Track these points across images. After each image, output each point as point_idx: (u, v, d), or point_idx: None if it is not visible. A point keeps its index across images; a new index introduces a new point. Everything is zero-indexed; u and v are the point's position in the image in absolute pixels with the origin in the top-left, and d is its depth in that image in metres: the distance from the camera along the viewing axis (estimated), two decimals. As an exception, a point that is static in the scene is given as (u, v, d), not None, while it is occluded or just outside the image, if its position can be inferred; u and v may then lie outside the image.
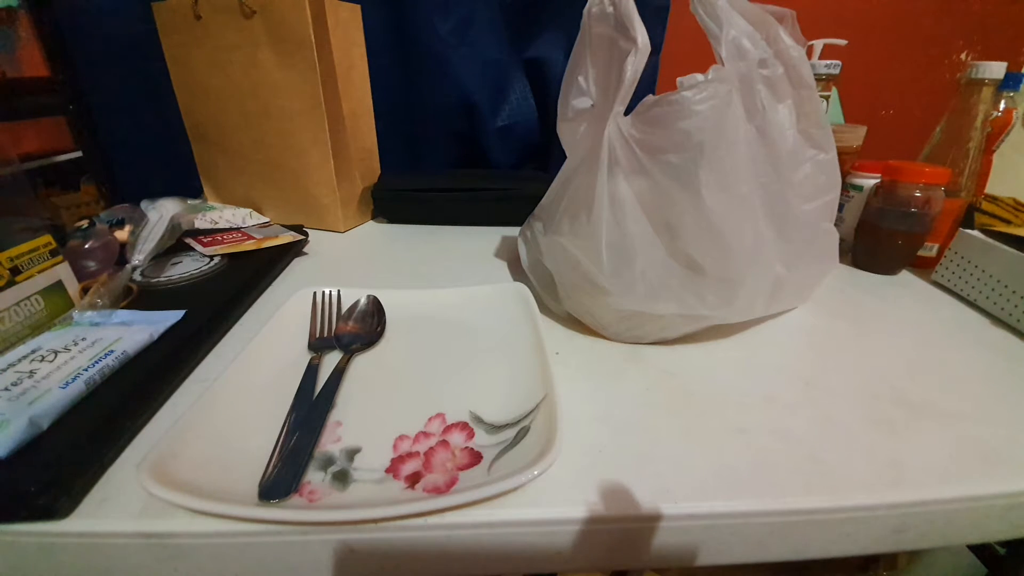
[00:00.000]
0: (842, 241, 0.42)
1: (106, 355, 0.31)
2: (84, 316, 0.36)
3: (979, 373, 0.35)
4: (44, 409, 0.26)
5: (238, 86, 0.58)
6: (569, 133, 0.40)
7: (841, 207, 0.53)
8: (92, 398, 0.29)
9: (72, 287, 0.39)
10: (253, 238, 0.54)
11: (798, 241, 0.36)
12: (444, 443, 0.27)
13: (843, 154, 0.43)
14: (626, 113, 0.34)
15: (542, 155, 0.80)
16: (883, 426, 0.29)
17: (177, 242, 0.53)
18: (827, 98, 0.58)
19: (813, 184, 0.37)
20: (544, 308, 0.41)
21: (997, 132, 0.53)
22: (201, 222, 0.61)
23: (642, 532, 0.24)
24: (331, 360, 0.34)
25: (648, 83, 0.73)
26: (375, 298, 0.41)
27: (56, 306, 0.37)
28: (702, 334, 0.37)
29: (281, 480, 0.23)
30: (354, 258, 0.58)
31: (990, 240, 0.43)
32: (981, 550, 0.54)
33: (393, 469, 0.25)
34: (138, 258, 0.46)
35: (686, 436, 0.28)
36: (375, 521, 0.22)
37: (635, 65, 0.32)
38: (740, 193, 0.33)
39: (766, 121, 0.34)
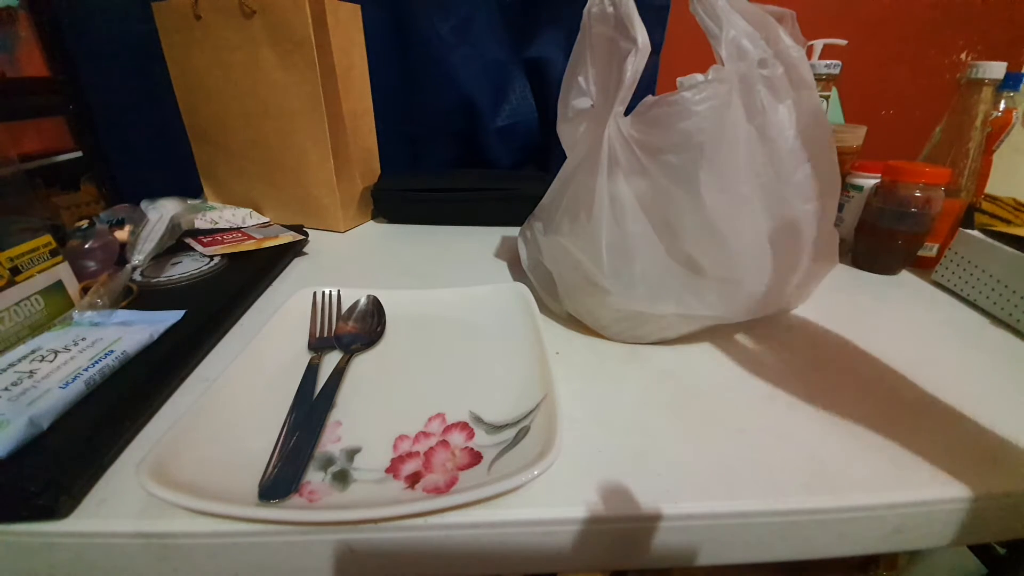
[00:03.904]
0: (842, 241, 0.42)
1: (106, 355, 0.31)
2: (84, 316, 0.36)
3: (979, 373, 0.35)
4: (44, 409, 0.26)
5: (238, 86, 0.58)
6: (569, 133, 0.40)
7: (841, 207, 0.53)
8: (92, 398, 0.29)
9: (72, 287, 0.39)
10: (253, 238, 0.54)
11: (798, 241, 0.36)
12: (444, 443, 0.27)
13: (843, 154, 0.43)
14: (626, 113, 0.34)
15: (542, 155, 0.80)
16: (883, 426, 0.29)
17: (177, 242, 0.53)
18: (827, 98, 0.58)
19: (813, 184, 0.37)
20: (544, 308, 0.41)
21: (997, 132, 0.53)
22: (201, 222, 0.61)
23: (642, 532, 0.24)
24: (331, 360, 0.34)
25: (648, 83, 0.73)
26: (375, 298, 0.41)
27: (56, 306, 0.37)
28: (702, 334, 0.37)
29: (281, 480, 0.23)
30: (354, 258, 0.58)
31: (990, 240, 0.43)
32: (981, 550, 0.54)
33: (393, 469, 0.25)
34: (138, 258, 0.46)
35: (686, 436, 0.28)
36: (375, 521, 0.22)
37: (635, 65, 0.32)
38: (740, 193, 0.33)
39: (766, 121, 0.34)
